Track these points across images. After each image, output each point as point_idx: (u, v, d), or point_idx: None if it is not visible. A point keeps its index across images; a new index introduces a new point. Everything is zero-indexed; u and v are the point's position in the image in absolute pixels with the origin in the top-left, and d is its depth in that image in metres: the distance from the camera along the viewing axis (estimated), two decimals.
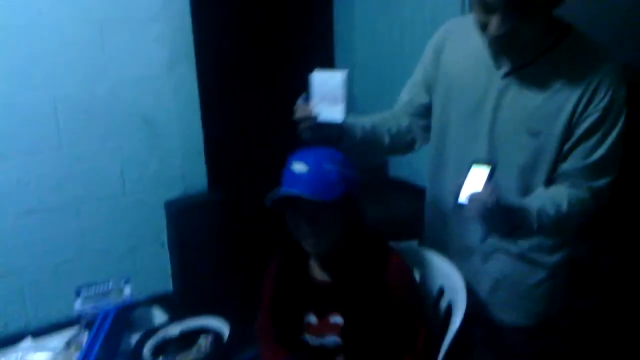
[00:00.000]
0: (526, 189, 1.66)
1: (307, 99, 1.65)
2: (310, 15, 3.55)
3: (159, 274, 3.02)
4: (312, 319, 1.70)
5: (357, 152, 1.80)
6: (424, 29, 3.04)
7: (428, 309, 1.83)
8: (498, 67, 1.63)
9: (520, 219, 1.57)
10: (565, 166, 1.62)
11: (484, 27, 1.50)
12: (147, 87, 2.81)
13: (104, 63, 2.70)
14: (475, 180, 1.50)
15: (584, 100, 1.54)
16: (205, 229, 2.96)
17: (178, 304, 2.98)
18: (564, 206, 1.60)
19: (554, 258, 1.77)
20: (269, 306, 1.80)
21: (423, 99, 1.87)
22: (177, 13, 2.82)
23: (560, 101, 1.56)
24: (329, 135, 1.69)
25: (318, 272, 1.72)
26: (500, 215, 1.51)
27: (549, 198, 1.61)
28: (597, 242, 2.69)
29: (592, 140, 1.58)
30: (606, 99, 1.54)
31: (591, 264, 2.72)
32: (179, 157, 2.95)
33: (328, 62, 3.50)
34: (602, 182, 1.63)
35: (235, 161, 3.23)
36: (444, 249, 1.90)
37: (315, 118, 1.63)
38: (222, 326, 1.74)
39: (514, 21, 1.44)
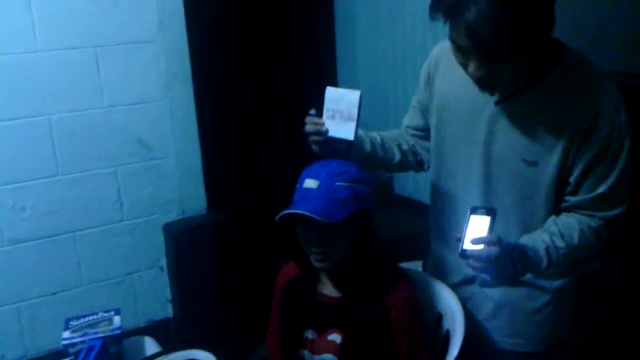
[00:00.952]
0: (525, 218, 1.62)
1: (316, 113, 1.67)
2: (311, 35, 3.53)
3: (158, 299, 2.97)
4: (311, 334, 1.69)
5: (366, 165, 1.80)
6: (425, 49, 3.01)
7: (427, 335, 1.78)
8: (490, 94, 1.55)
9: (526, 263, 1.52)
10: (574, 199, 1.56)
11: (464, 66, 1.44)
12: (143, 110, 2.78)
13: (100, 86, 2.67)
14: (476, 228, 1.45)
15: (583, 132, 1.47)
16: (204, 251, 2.93)
17: (177, 330, 2.93)
18: (575, 237, 1.55)
19: (559, 282, 1.70)
20: (275, 316, 1.81)
21: (421, 122, 1.87)
22: (173, 35, 2.79)
23: (556, 131, 1.49)
24: (338, 149, 1.69)
25: (327, 287, 1.70)
26: (505, 263, 1.46)
27: (558, 231, 1.55)
28: (606, 259, 2.63)
29: (598, 172, 1.51)
30: (606, 129, 1.46)
31: (600, 282, 2.66)
32: (176, 180, 2.91)
33: (329, 83, 3.47)
34: (615, 211, 1.56)
35: (234, 182, 3.20)
36: (445, 270, 1.86)
37: (325, 132, 1.64)
38: (209, 359, 1.69)
39: (491, 65, 1.37)
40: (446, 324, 1.78)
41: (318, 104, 1.70)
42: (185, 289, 2.92)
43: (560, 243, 1.53)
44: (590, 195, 1.54)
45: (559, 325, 1.77)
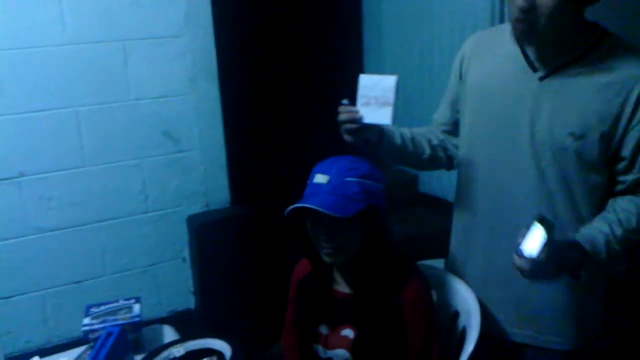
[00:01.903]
0: (572, 200, 1.61)
1: (349, 103, 1.66)
2: (338, 29, 3.53)
3: (180, 289, 3.00)
4: (324, 329, 1.70)
5: (397, 158, 1.87)
6: (452, 41, 3.01)
7: (443, 331, 1.77)
8: (534, 70, 1.58)
9: (581, 257, 1.51)
10: (630, 178, 1.57)
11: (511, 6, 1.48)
12: (169, 103, 2.81)
13: (127, 80, 2.71)
14: (535, 238, 1.43)
15: (632, 101, 1.49)
16: (227, 243, 2.94)
17: (199, 320, 2.96)
18: (633, 221, 1.56)
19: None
20: (290, 312, 1.84)
21: (450, 117, 1.88)
22: (199, 30, 2.81)
23: (604, 103, 1.50)
24: (369, 139, 1.70)
25: (340, 284, 1.71)
26: (558, 264, 1.48)
27: (617, 218, 1.56)
28: (633, 259, 2.59)
29: None
30: None
31: (627, 282, 2.62)
32: (201, 173, 2.93)
33: (355, 78, 3.47)
34: None
35: (258, 176, 3.22)
36: (467, 267, 1.86)
37: (360, 119, 1.63)
38: (225, 348, 1.71)
39: None
40: (462, 321, 1.77)
41: (345, 97, 1.69)
42: (207, 280, 2.94)
43: (618, 231, 1.54)
44: None
45: (588, 323, 1.75)
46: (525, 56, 1.61)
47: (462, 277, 1.86)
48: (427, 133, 1.90)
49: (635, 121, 1.50)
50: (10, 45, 2.47)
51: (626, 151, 1.54)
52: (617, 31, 1.57)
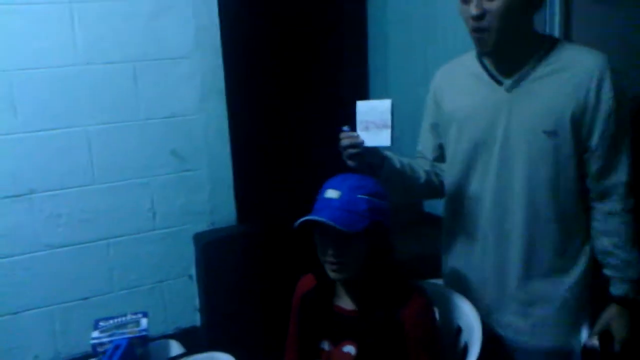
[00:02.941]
0: (558, 207, 1.75)
1: (349, 129, 1.75)
2: (343, 53, 3.58)
3: (186, 307, 3.03)
4: (326, 345, 1.72)
5: (396, 184, 1.90)
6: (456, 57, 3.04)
7: (446, 348, 1.79)
8: (499, 84, 1.74)
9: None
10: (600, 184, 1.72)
11: (465, 12, 1.66)
12: (178, 123, 2.86)
13: (137, 99, 2.77)
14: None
15: (593, 92, 1.65)
16: (233, 261, 2.97)
17: (204, 338, 2.98)
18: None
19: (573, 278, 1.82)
20: (293, 327, 1.86)
21: (434, 143, 2.00)
22: (208, 51, 2.87)
23: (568, 97, 1.66)
24: (372, 162, 1.79)
25: (342, 300, 1.74)
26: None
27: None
28: None
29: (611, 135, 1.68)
30: (613, 86, 1.65)
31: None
32: (207, 191, 2.98)
33: (361, 99, 3.52)
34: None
35: (264, 194, 3.25)
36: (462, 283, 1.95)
37: (361, 144, 1.72)
38: None
39: (484, 2, 1.61)
40: (464, 337, 1.79)
41: (351, 119, 1.76)
42: (213, 298, 2.97)
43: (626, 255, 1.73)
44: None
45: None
46: (489, 73, 1.76)
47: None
48: (419, 161, 2.01)
49: (599, 108, 1.65)
50: (23, 66, 2.54)
51: (594, 140, 1.68)
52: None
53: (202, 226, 3.00)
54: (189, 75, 2.85)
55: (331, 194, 1.63)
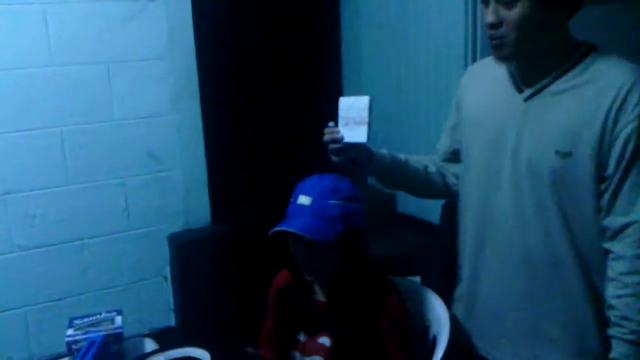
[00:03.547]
0: (570, 226, 1.57)
1: (334, 125, 1.74)
2: (317, 51, 3.63)
3: (161, 307, 3.04)
4: (302, 336, 1.75)
5: (388, 181, 1.91)
6: (427, 67, 3.09)
7: (416, 340, 1.83)
8: (520, 91, 1.62)
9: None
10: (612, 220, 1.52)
11: (485, 16, 1.54)
12: (152, 124, 2.89)
13: (111, 100, 2.78)
14: None
15: (614, 111, 1.46)
16: (208, 262, 2.99)
17: (179, 338, 2.99)
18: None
19: None
20: (269, 320, 1.89)
21: (449, 145, 1.93)
22: (181, 51, 2.90)
23: (587, 116, 1.49)
24: (357, 158, 1.76)
25: (318, 293, 1.77)
26: None
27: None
28: None
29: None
30: (634, 112, 1.46)
31: None
32: (182, 191, 3.00)
33: (334, 103, 3.57)
34: None
35: (239, 195, 3.28)
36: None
37: (341, 139, 1.70)
38: (205, 356, 1.76)
39: (501, 9, 1.49)
40: (433, 330, 1.84)
41: (327, 119, 1.76)
42: (187, 298, 2.98)
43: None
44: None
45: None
46: (513, 78, 1.64)
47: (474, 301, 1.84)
48: (425, 160, 1.94)
49: (617, 130, 1.47)
50: None
51: (611, 166, 1.49)
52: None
53: (177, 227, 3.02)
54: (162, 76, 2.87)
55: (302, 200, 1.64)
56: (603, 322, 1.56)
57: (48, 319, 2.78)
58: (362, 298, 1.70)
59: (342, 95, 1.81)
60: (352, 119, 1.71)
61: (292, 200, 1.68)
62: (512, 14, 1.47)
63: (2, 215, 2.63)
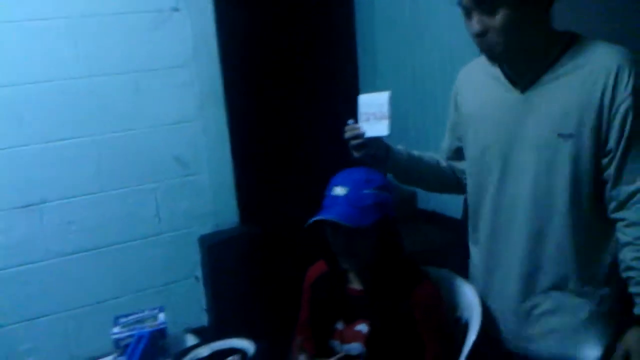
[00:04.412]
0: (575, 211, 1.64)
1: (354, 122, 1.81)
2: (335, 56, 3.70)
3: (194, 307, 3.12)
4: (340, 325, 1.81)
5: (404, 176, 1.97)
6: (443, 67, 3.13)
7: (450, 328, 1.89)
8: (515, 85, 1.69)
9: None
10: (617, 191, 1.60)
11: (469, 26, 1.62)
12: (179, 130, 2.98)
13: (139, 108, 2.88)
14: None
15: (609, 90, 1.54)
16: (237, 262, 3.07)
17: (212, 338, 3.06)
18: None
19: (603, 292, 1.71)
20: (304, 312, 1.95)
21: (452, 143, 2.00)
22: (206, 59, 2.99)
23: (584, 97, 1.57)
24: (376, 154, 1.83)
25: (354, 282, 1.84)
26: None
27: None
28: None
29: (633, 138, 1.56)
30: (631, 82, 1.54)
31: None
32: (210, 194, 3.08)
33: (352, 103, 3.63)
34: None
35: (265, 196, 3.36)
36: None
37: (362, 135, 1.78)
38: (249, 347, 1.83)
39: (484, 18, 1.56)
40: (465, 316, 1.90)
41: (342, 120, 1.85)
42: (219, 298, 3.06)
43: None
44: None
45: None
46: (505, 73, 1.71)
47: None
48: (437, 156, 2.03)
49: (615, 108, 1.55)
50: (29, 79, 2.64)
51: (611, 141, 1.57)
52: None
53: (207, 228, 3.10)
54: (188, 84, 2.96)
55: (338, 191, 1.73)
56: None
57: (87, 323, 2.87)
58: (396, 286, 1.77)
59: (359, 94, 1.88)
60: (373, 115, 1.79)
61: (327, 193, 1.76)
62: (496, 21, 1.54)
63: (39, 223, 2.73)
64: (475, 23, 1.58)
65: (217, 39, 3.00)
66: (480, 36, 1.59)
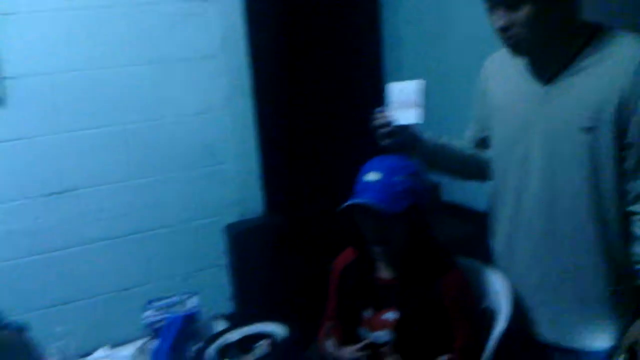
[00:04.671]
0: (597, 195, 1.64)
1: (384, 109, 1.82)
2: (361, 48, 3.71)
3: (220, 295, 3.16)
4: (368, 313, 1.82)
5: (431, 163, 1.96)
6: (470, 56, 3.11)
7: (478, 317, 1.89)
8: (538, 78, 1.68)
9: None
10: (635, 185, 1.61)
11: (493, 21, 1.60)
12: (207, 120, 3.02)
13: (168, 97, 2.92)
14: None
15: (630, 84, 1.53)
16: (262, 251, 3.11)
17: (237, 325, 3.10)
18: None
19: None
20: (332, 300, 1.96)
21: (476, 133, 2.00)
22: (234, 50, 3.03)
23: (605, 92, 1.56)
24: (403, 142, 1.83)
25: (383, 271, 1.85)
26: None
27: None
28: None
29: None
30: None
31: None
32: (237, 184, 3.13)
33: (379, 97, 3.62)
34: None
35: (291, 186, 3.39)
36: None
37: (392, 122, 1.79)
38: (279, 331, 1.86)
39: (507, 13, 1.55)
40: (492, 304, 1.91)
41: (369, 112, 1.85)
42: (244, 286, 3.10)
43: None
44: None
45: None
46: (528, 66, 1.71)
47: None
48: (463, 144, 2.03)
49: (636, 99, 1.54)
50: (60, 69, 2.69)
51: (631, 133, 1.57)
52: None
53: (233, 217, 3.14)
54: (216, 73, 3.00)
55: (371, 176, 1.74)
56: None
57: (115, 308, 2.92)
58: (426, 274, 1.79)
59: (384, 85, 1.87)
60: (404, 102, 1.79)
61: (359, 178, 1.77)
62: (520, 16, 1.54)
63: (72, 209, 2.78)
64: (499, 18, 1.57)
65: (246, 30, 3.03)
66: (504, 31, 1.58)
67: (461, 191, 3.39)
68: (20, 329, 2.00)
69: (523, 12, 1.53)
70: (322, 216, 3.33)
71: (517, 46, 1.61)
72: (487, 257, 2.04)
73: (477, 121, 2.00)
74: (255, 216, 3.19)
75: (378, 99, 1.85)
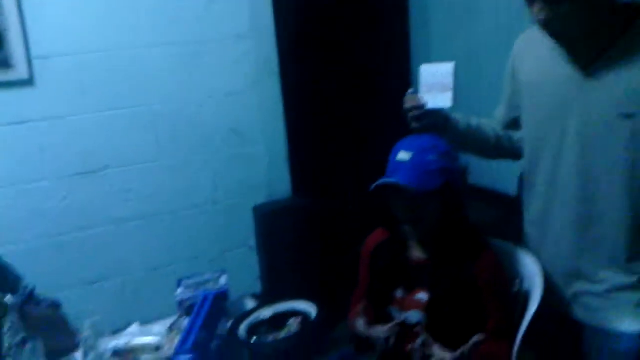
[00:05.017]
0: (631, 183, 1.60)
1: (415, 92, 1.80)
2: (388, 30, 3.69)
3: (248, 276, 3.18)
4: (400, 293, 1.82)
5: (462, 145, 1.94)
6: (499, 38, 3.08)
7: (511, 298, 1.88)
8: (577, 60, 1.62)
9: None
10: None
11: (532, 12, 1.55)
12: (235, 101, 3.02)
13: (197, 79, 2.93)
14: None
15: None
16: (290, 231, 3.12)
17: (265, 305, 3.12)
18: None
19: None
20: (363, 279, 1.95)
21: (507, 113, 1.96)
22: (262, 32, 3.03)
23: None
24: (435, 124, 1.82)
25: (415, 251, 1.84)
26: None
27: None
28: None
29: None
30: None
31: None
32: (264, 165, 3.14)
33: (405, 79, 3.60)
34: None
35: (318, 168, 3.39)
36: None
37: (424, 106, 1.77)
38: (310, 309, 1.87)
39: (549, 5, 1.50)
40: (525, 285, 1.90)
41: (396, 95, 1.86)
42: (272, 266, 3.12)
43: None
44: None
45: None
46: (568, 49, 1.64)
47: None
48: (494, 123, 2.00)
49: None
50: (89, 49, 2.71)
51: None
52: None
53: (261, 199, 3.15)
54: (244, 56, 3.00)
55: (402, 155, 1.72)
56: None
57: (143, 288, 2.96)
58: (459, 254, 1.77)
59: (411, 75, 1.84)
60: (436, 85, 1.78)
61: (390, 158, 1.76)
62: (561, 10, 1.49)
63: (101, 189, 2.82)
64: (540, 11, 1.52)
65: (274, 13, 3.03)
66: (545, 24, 1.54)
67: (489, 175, 3.37)
68: (55, 306, 2.03)
69: (564, 7, 1.49)
70: (349, 197, 3.35)
71: (557, 37, 1.59)
72: (514, 241, 2.03)
73: (507, 101, 1.97)
74: (283, 197, 3.20)
75: (406, 80, 1.83)
